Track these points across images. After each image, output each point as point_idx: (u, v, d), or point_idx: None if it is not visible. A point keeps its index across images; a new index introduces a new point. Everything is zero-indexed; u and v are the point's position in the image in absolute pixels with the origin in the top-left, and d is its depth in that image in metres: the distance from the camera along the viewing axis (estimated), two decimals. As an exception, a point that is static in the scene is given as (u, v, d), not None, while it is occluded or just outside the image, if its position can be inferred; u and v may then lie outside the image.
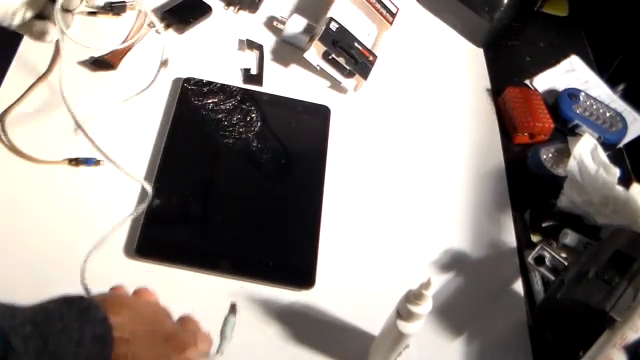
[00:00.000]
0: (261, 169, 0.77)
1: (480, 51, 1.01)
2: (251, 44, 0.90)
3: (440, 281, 0.73)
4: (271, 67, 0.89)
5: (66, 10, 0.67)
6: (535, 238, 0.79)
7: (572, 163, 0.80)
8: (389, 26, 0.96)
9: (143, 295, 0.52)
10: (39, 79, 0.78)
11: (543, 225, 0.79)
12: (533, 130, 0.88)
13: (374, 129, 0.86)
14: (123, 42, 0.84)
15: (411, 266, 0.74)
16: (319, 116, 0.85)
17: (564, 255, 0.73)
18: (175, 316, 0.52)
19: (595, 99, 0.93)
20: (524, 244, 0.78)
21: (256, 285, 0.68)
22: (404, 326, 0.57)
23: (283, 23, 0.91)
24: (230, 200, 0.74)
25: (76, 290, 0.64)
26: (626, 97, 0.99)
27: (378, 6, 0.96)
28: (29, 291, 0.62)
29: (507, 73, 0.99)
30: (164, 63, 0.68)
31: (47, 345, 0.39)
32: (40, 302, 0.42)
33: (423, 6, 1.04)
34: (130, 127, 0.78)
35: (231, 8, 0.94)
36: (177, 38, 0.88)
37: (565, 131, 0.91)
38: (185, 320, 0.53)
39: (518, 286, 0.75)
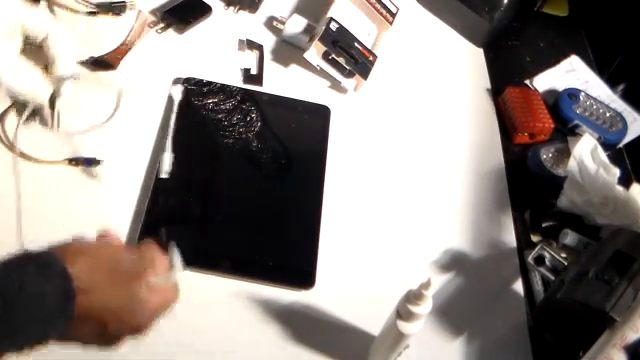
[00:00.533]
0: (261, 169, 0.77)
1: (480, 51, 1.01)
2: (251, 44, 0.90)
3: (440, 281, 0.73)
4: (271, 67, 0.89)
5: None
6: (535, 238, 0.79)
7: (572, 163, 0.80)
8: (389, 26, 0.96)
9: (104, 238, 0.51)
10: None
11: (543, 225, 0.79)
12: (533, 130, 0.88)
13: (374, 129, 0.86)
14: (123, 42, 0.84)
15: (411, 266, 0.74)
16: (319, 116, 0.85)
17: (564, 255, 0.73)
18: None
19: (595, 99, 0.93)
20: (524, 244, 0.78)
21: (256, 285, 0.68)
22: (404, 326, 0.57)
23: (283, 23, 0.91)
24: (230, 200, 0.74)
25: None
26: (626, 97, 0.99)
27: (378, 6, 0.96)
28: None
29: (507, 73, 0.99)
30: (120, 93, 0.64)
31: (6, 303, 0.38)
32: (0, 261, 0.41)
33: (423, 6, 1.04)
34: (130, 127, 0.78)
35: (231, 8, 0.94)
36: (177, 38, 0.88)
37: (565, 131, 0.91)
38: (142, 247, 0.52)
39: (518, 286, 0.75)
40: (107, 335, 0.46)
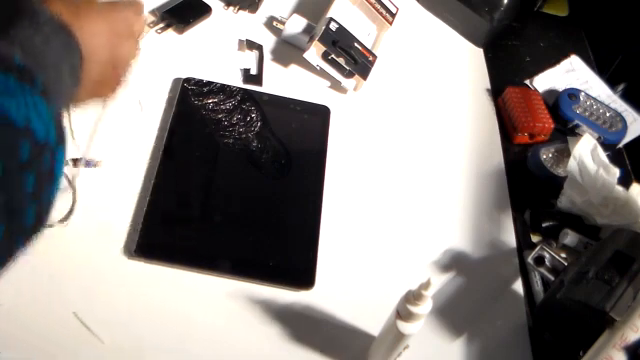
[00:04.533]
0: (261, 169, 0.77)
1: (480, 51, 1.01)
2: (251, 44, 0.90)
3: (440, 281, 0.73)
4: (271, 67, 0.89)
5: None
6: (535, 238, 0.79)
7: (572, 163, 0.80)
8: (389, 26, 0.96)
9: None
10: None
11: (543, 225, 0.79)
12: (533, 130, 0.88)
13: (374, 129, 0.86)
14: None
15: (411, 266, 0.74)
16: (319, 116, 0.85)
17: (564, 255, 0.73)
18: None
19: (595, 99, 0.93)
20: (524, 244, 0.78)
21: (256, 285, 0.68)
22: (404, 326, 0.57)
23: (283, 23, 0.91)
24: (230, 200, 0.74)
25: (82, 291, 0.64)
26: (626, 97, 0.99)
27: (378, 6, 0.96)
28: (28, 290, 0.63)
29: (507, 73, 0.99)
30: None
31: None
32: None
33: (423, 6, 1.04)
34: (130, 127, 0.78)
35: (231, 8, 0.94)
36: (177, 38, 0.88)
37: (565, 131, 0.91)
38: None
39: (518, 286, 0.75)
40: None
